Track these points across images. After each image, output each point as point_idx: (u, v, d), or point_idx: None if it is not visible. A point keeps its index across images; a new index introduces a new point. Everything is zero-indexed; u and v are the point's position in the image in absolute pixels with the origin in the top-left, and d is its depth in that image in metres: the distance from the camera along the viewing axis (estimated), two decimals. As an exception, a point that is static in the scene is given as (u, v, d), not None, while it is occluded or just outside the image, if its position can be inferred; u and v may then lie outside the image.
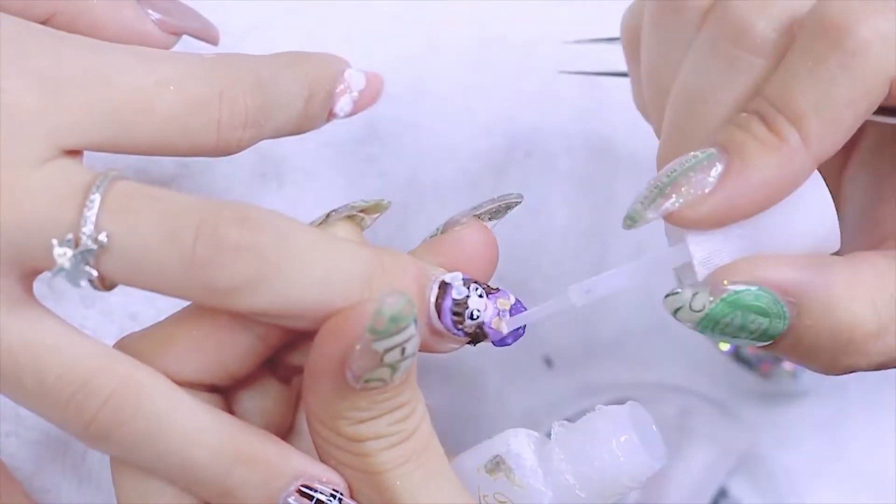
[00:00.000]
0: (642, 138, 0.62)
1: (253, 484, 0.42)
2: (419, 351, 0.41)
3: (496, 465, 0.45)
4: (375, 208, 0.45)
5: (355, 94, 0.50)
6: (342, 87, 0.49)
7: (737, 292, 0.42)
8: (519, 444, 0.45)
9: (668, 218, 0.43)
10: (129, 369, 0.41)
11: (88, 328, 0.53)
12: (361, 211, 0.44)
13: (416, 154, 0.58)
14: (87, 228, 0.40)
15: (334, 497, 0.42)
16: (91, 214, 0.40)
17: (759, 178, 0.42)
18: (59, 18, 0.46)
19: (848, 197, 0.49)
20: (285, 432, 0.46)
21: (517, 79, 0.60)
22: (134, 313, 0.54)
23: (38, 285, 0.42)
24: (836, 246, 0.44)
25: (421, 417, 0.43)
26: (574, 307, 0.44)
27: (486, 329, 0.43)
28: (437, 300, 0.43)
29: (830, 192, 0.43)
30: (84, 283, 0.41)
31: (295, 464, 0.42)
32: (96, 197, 0.41)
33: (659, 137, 0.47)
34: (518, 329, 0.44)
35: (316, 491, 0.42)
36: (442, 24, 0.58)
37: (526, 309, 0.44)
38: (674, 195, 0.43)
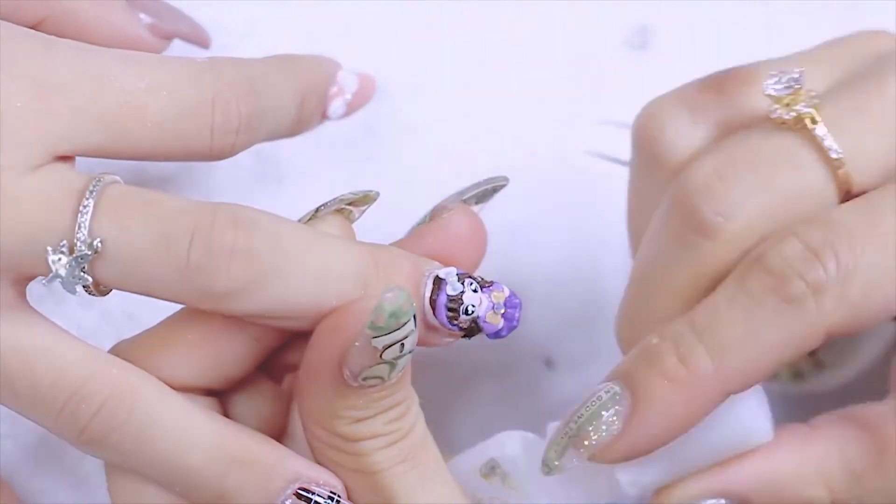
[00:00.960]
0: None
1: (249, 488, 0.42)
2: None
3: (491, 468, 0.45)
4: (364, 200, 0.44)
5: (348, 96, 0.50)
6: (335, 89, 0.49)
7: None
8: (514, 447, 0.45)
9: (589, 459, 0.43)
10: (123, 374, 0.41)
11: (86, 329, 0.53)
12: (350, 204, 0.44)
13: (415, 154, 0.58)
14: (82, 234, 0.40)
15: (332, 499, 0.42)
16: (85, 220, 0.40)
17: (662, 418, 0.43)
18: (49, 23, 0.46)
19: None
20: (279, 435, 0.46)
21: (517, 79, 0.60)
22: (131, 314, 0.54)
23: (36, 287, 0.42)
24: (769, 438, 0.44)
25: (416, 417, 0.43)
26: None
27: (481, 323, 0.43)
28: (431, 296, 0.43)
29: None
30: (79, 289, 0.41)
31: (292, 466, 0.42)
32: (90, 202, 0.41)
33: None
34: (512, 321, 0.43)
35: (313, 493, 0.42)
36: (441, 24, 0.58)
37: (519, 301, 0.43)
38: (584, 443, 0.43)
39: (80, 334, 0.43)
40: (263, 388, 0.45)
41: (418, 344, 0.42)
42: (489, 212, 0.47)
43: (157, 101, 0.42)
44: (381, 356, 0.40)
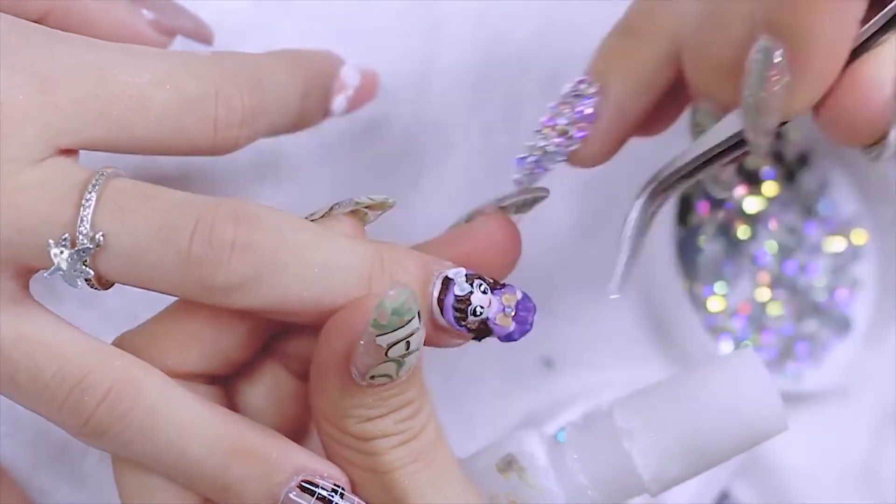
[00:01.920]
0: (642, 140, 0.62)
1: (252, 478, 0.42)
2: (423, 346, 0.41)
3: (508, 464, 0.45)
4: (380, 206, 0.44)
5: (351, 91, 0.50)
6: (338, 84, 0.49)
7: None
8: (532, 443, 0.45)
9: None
10: (125, 365, 0.41)
11: (86, 329, 0.52)
12: (366, 207, 0.44)
13: (417, 153, 0.58)
14: (84, 227, 0.40)
15: (336, 492, 0.42)
16: (87, 213, 0.40)
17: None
18: (52, 18, 0.46)
19: None
20: (298, 432, 0.45)
21: (519, 77, 0.60)
22: (132, 313, 0.53)
23: (37, 286, 0.42)
24: (785, 428, 0.44)
25: (428, 416, 0.42)
26: None
27: (492, 325, 0.42)
28: (439, 296, 0.42)
29: None
30: (81, 282, 0.41)
31: (295, 458, 0.42)
32: (92, 195, 0.40)
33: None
34: (525, 325, 0.43)
35: (317, 486, 0.42)
36: (443, 23, 0.58)
37: (534, 305, 0.43)
38: (769, 105, 0.43)
39: (80, 333, 0.43)
40: (281, 382, 0.45)
41: (428, 344, 0.42)
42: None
43: (160, 95, 0.42)
44: (386, 354, 0.40)
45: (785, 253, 0.65)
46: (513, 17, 0.59)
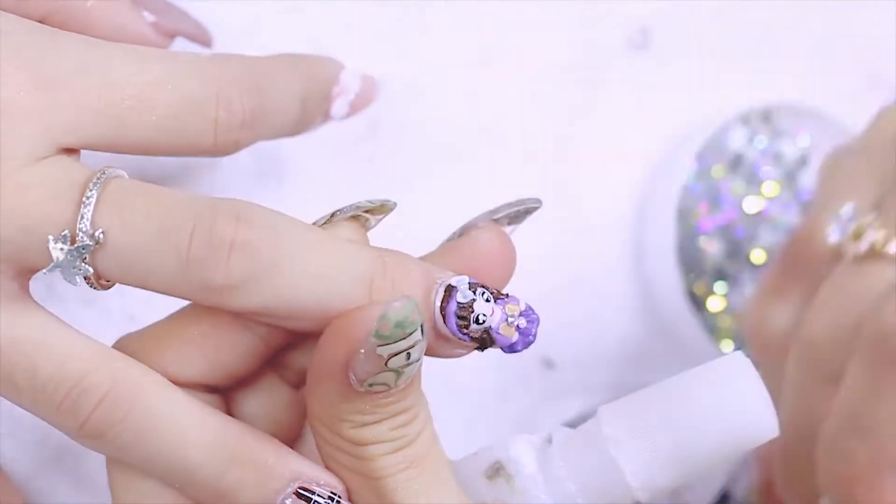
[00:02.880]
0: (642, 140, 0.62)
1: (248, 485, 0.42)
2: (425, 355, 0.41)
3: (496, 471, 0.45)
4: (381, 209, 0.44)
5: (351, 96, 0.50)
6: (338, 89, 0.49)
7: None
8: (519, 450, 0.44)
9: None
10: (124, 368, 0.41)
11: (86, 330, 0.52)
12: (367, 212, 0.44)
13: (416, 154, 0.58)
14: (84, 225, 0.40)
15: (332, 500, 0.42)
16: (87, 211, 0.40)
17: None
18: (53, 20, 0.46)
19: None
20: (292, 439, 0.45)
21: (518, 78, 0.60)
22: (132, 315, 0.54)
23: (37, 286, 0.42)
24: (775, 434, 0.44)
25: (424, 423, 0.42)
26: None
27: (494, 334, 0.42)
28: (441, 304, 0.42)
29: None
30: (80, 280, 0.41)
31: (292, 465, 0.42)
32: (93, 194, 0.40)
33: None
34: (528, 336, 0.42)
35: (314, 493, 0.42)
36: (442, 24, 0.58)
37: (537, 316, 0.42)
38: None
39: (80, 335, 0.43)
40: (276, 392, 0.45)
41: (429, 354, 0.42)
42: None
43: (162, 95, 0.42)
44: (386, 364, 0.40)
45: (785, 253, 0.65)
46: (511, 19, 0.59)
